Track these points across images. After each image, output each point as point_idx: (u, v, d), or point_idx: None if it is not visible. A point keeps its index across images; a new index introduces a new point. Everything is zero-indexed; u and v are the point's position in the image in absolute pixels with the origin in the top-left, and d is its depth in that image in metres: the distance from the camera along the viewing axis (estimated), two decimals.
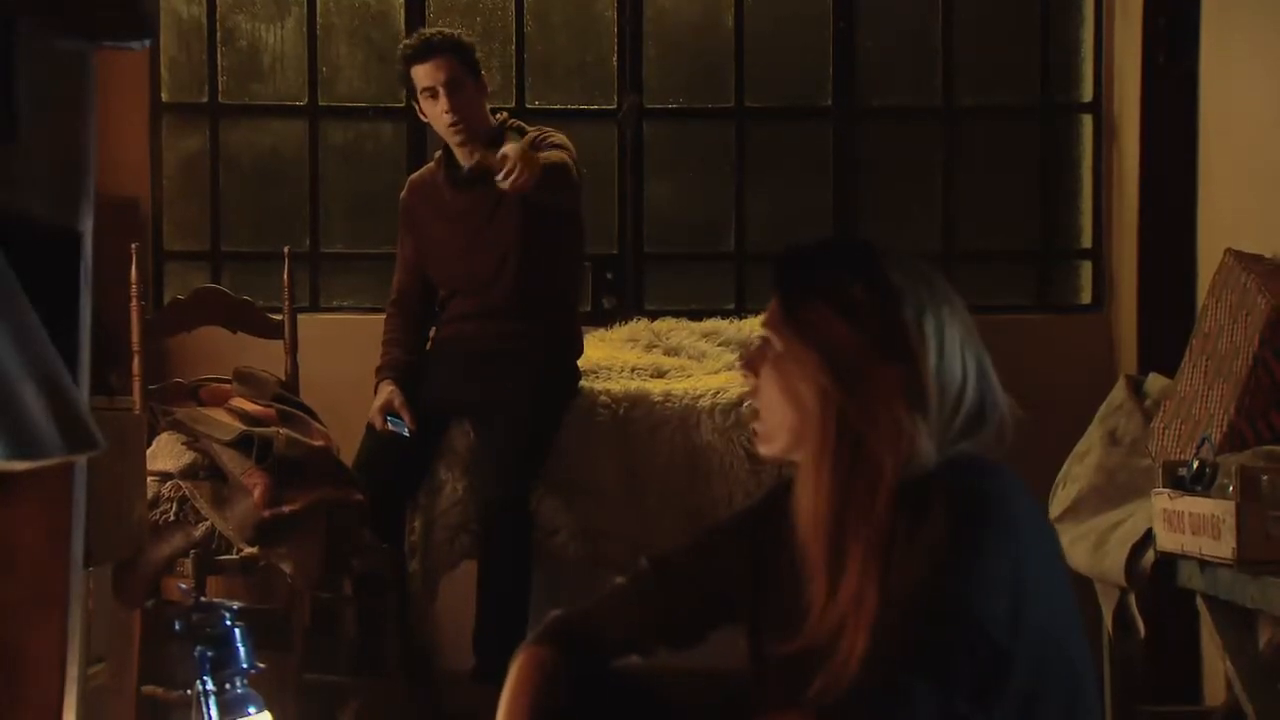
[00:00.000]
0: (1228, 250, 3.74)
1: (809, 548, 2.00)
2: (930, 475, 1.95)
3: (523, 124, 4.33)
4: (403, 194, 4.40)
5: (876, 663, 1.87)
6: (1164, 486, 3.27)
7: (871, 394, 1.96)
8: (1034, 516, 2.00)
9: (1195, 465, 3.18)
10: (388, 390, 4.22)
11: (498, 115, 4.32)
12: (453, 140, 4.23)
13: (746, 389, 2.05)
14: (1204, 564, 3.12)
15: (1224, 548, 2.98)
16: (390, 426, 4.16)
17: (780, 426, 2.02)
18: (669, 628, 2.20)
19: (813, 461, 1.99)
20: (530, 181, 3.90)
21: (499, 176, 3.89)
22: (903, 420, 1.95)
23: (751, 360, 2.03)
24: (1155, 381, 3.98)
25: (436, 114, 4.20)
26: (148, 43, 1.71)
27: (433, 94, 4.18)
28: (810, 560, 1.99)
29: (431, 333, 4.41)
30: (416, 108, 4.29)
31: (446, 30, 4.35)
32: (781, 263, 2.07)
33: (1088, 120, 5.06)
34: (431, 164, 4.37)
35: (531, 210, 4.12)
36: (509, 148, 3.93)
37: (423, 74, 4.18)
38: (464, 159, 4.26)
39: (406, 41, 4.34)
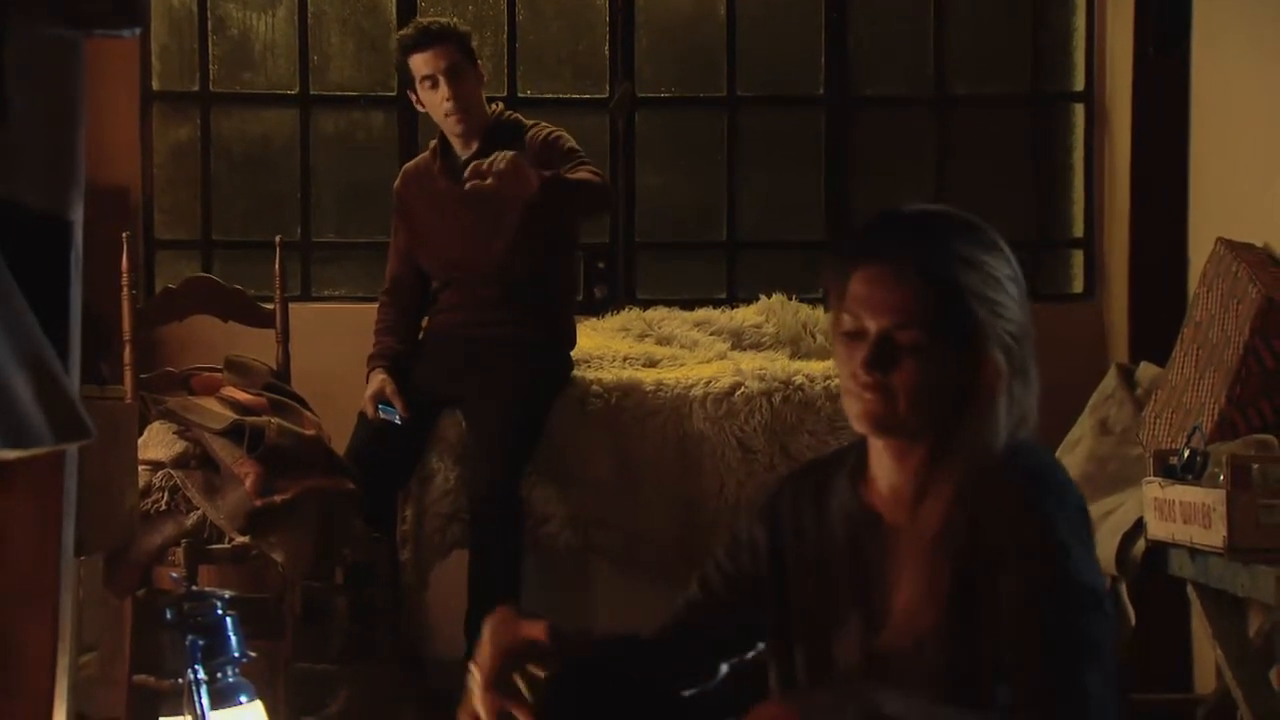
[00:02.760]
0: (1219, 239, 3.74)
1: (907, 542, 1.96)
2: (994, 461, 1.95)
3: (519, 116, 4.33)
4: (396, 183, 4.40)
5: (1022, 663, 1.86)
6: (1155, 475, 3.28)
7: (1029, 368, 1.99)
8: (1074, 483, 2.02)
9: (1186, 454, 3.18)
10: (380, 378, 4.22)
11: (493, 106, 4.31)
12: (452, 130, 4.22)
13: (870, 392, 1.94)
14: (1194, 552, 3.13)
15: (1214, 536, 2.99)
16: (382, 414, 4.16)
17: (916, 416, 1.94)
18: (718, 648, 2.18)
19: (940, 448, 1.95)
20: (502, 187, 3.88)
21: (483, 168, 3.88)
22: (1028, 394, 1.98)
23: (884, 360, 1.92)
24: (1146, 370, 3.99)
25: (436, 103, 4.18)
26: (138, 31, 1.71)
27: (433, 82, 4.17)
28: (906, 554, 1.96)
29: (424, 322, 4.41)
30: (413, 98, 4.28)
31: (444, 19, 4.35)
32: (904, 233, 1.98)
33: (1079, 109, 5.06)
34: (426, 153, 4.36)
35: (545, 208, 4.12)
36: (505, 155, 3.92)
37: (422, 62, 4.17)
38: (461, 149, 4.25)
39: (404, 30, 4.33)
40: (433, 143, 4.34)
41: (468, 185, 3.91)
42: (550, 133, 4.23)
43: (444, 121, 4.21)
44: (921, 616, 1.92)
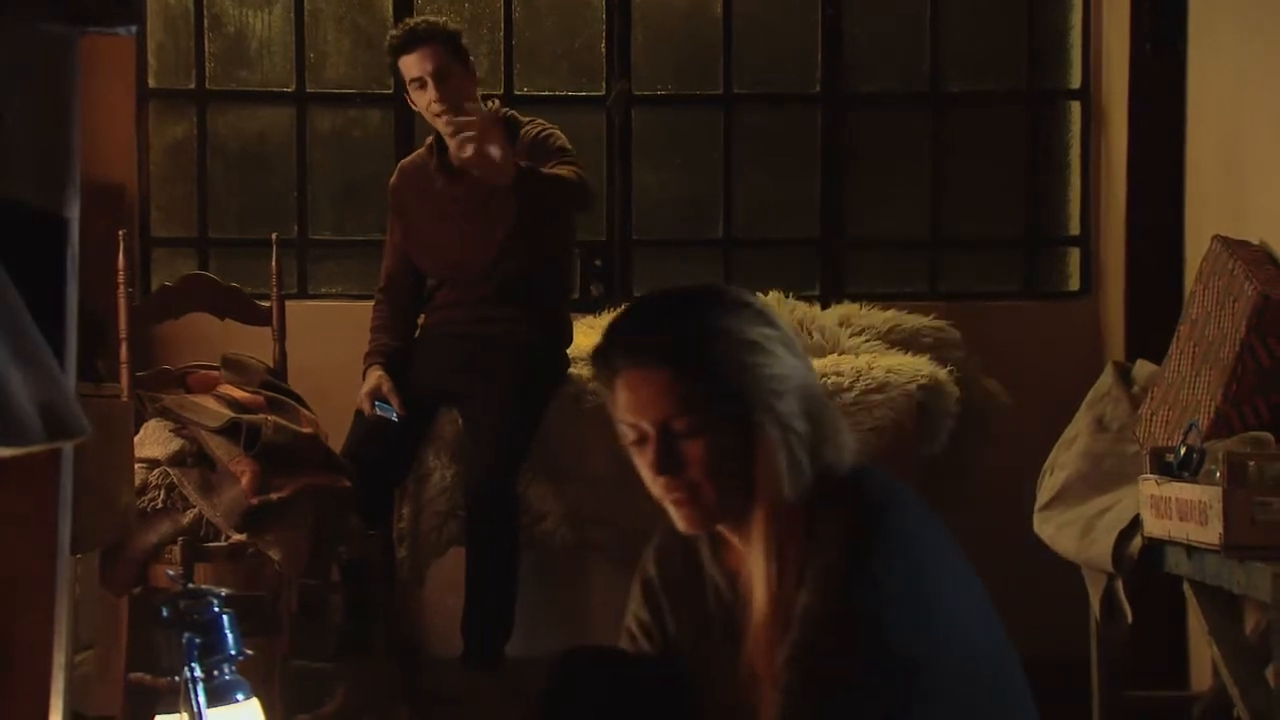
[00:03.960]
0: (1215, 237, 3.75)
1: (754, 594, 2.02)
2: (814, 496, 1.99)
3: (515, 113, 4.33)
4: (392, 180, 4.39)
5: (793, 696, 1.90)
6: (1151, 473, 3.28)
7: (815, 411, 2.02)
8: (928, 523, 2.01)
9: (1182, 451, 3.19)
10: (376, 375, 4.22)
11: (489, 103, 4.31)
12: (444, 130, 4.22)
13: (678, 501, 2.02)
14: (1191, 549, 3.13)
15: (1211, 533, 2.99)
16: (379, 411, 4.16)
17: (724, 498, 2.01)
18: None
19: (759, 511, 2.00)
20: (478, 159, 3.90)
21: (450, 132, 3.94)
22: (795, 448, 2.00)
23: (671, 459, 2.00)
24: (1143, 368, 3.99)
25: (425, 104, 4.18)
26: (134, 28, 1.70)
27: (420, 84, 4.17)
28: (757, 608, 2.01)
29: (420, 320, 4.41)
30: (407, 97, 4.28)
31: (433, 19, 4.34)
32: (664, 334, 2.03)
33: (1076, 107, 5.06)
34: (423, 150, 4.36)
35: (526, 201, 4.12)
36: (476, 113, 3.96)
37: (410, 64, 4.17)
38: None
39: (393, 32, 4.33)
40: (429, 140, 4.34)
41: (455, 159, 3.96)
42: (542, 130, 4.24)
43: (435, 122, 4.21)
44: (769, 676, 1.96)
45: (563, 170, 4.10)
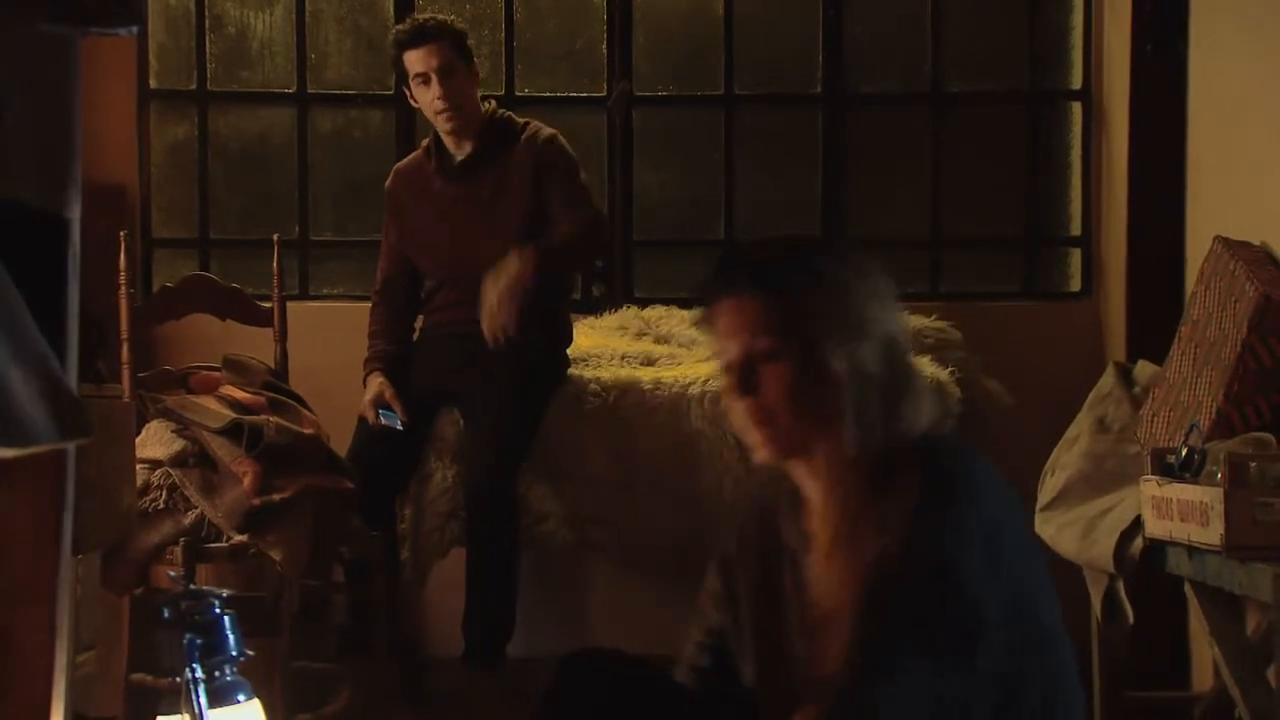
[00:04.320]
0: (1216, 238, 3.75)
1: (824, 543, 2.06)
2: (896, 459, 2.02)
3: (511, 114, 4.33)
4: (388, 182, 4.40)
5: (865, 642, 1.92)
6: (1152, 473, 3.28)
7: (894, 371, 2.07)
8: (1003, 493, 2.05)
9: (1184, 452, 3.19)
10: (377, 383, 4.22)
11: (486, 104, 4.31)
12: (443, 128, 4.22)
13: (757, 427, 2.08)
14: (1192, 550, 3.13)
15: (1212, 534, 2.99)
16: (383, 420, 4.16)
17: (798, 429, 2.06)
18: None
19: (833, 454, 2.05)
20: (512, 323, 4.03)
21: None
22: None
23: (750, 382, 2.06)
24: (1144, 369, 3.99)
25: (428, 100, 4.19)
26: (135, 29, 1.70)
27: (424, 80, 4.18)
28: (827, 558, 2.05)
29: (418, 321, 4.41)
30: (407, 93, 4.28)
31: (440, 16, 4.35)
32: (756, 264, 2.12)
33: (1077, 107, 5.06)
34: (419, 152, 4.36)
35: (528, 206, 4.13)
36: (491, 298, 4.05)
37: (415, 59, 4.18)
38: (453, 147, 4.25)
39: (399, 26, 4.34)
40: (425, 141, 4.34)
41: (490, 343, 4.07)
42: (542, 137, 4.23)
43: (435, 119, 4.21)
44: (838, 626, 1.98)
45: (569, 226, 4.13)
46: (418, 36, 4.18)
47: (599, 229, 4.27)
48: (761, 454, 2.10)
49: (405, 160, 4.43)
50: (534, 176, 4.18)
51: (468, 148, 4.22)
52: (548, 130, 4.27)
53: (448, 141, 4.26)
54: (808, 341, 2.03)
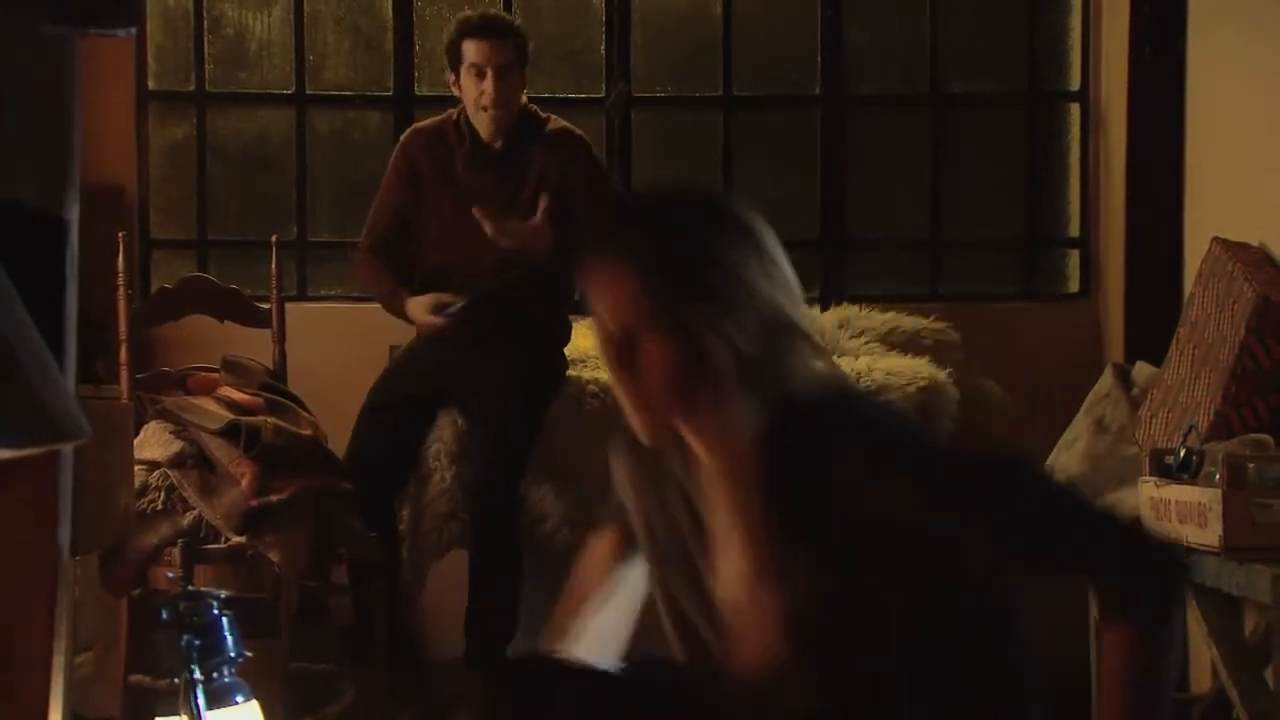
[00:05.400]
0: (1215, 239, 3.75)
1: (718, 502, 1.97)
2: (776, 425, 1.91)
3: (537, 109, 4.30)
4: (405, 137, 4.32)
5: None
6: (1151, 474, 3.28)
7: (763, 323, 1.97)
8: (901, 420, 2.03)
9: (1182, 453, 3.19)
10: (419, 299, 4.16)
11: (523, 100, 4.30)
12: (483, 123, 4.17)
13: (627, 397, 1.94)
14: (1190, 551, 3.13)
15: (1210, 535, 2.99)
16: (449, 314, 4.12)
17: (677, 393, 1.91)
18: None
19: (714, 416, 1.92)
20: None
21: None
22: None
23: (626, 357, 1.91)
24: (1142, 370, 3.99)
25: (475, 92, 4.14)
26: (133, 30, 1.70)
27: (479, 73, 4.14)
28: (726, 518, 1.97)
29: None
30: (452, 80, 4.23)
31: (508, 15, 4.34)
32: (633, 224, 1.95)
33: (1075, 109, 5.07)
34: (444, 122, 4.28)
35: (549, 208, 4.12)
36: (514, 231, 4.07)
37: (476, 50, 4.14)
38: (487, 135, 4.21)
39: (466, 13, 4.29)
40: (452, 115, 4.26)
41: (489, 231, 4.02)
42: (572, 137, 4.24)
43: (477, 114, 4.18)
44: (744, 576, 1.93)
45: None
46: (486, 29, 4.15)
47: None
48: (640, 434, 1.97)
49: (426, 124, 4.33)
50: (559, 174, 4.17)
51: (499, 143, 4.21)
52: (572, 130, 4.26)
53: (482, 131, 4.22)
54: (683, 323, 1.87)
